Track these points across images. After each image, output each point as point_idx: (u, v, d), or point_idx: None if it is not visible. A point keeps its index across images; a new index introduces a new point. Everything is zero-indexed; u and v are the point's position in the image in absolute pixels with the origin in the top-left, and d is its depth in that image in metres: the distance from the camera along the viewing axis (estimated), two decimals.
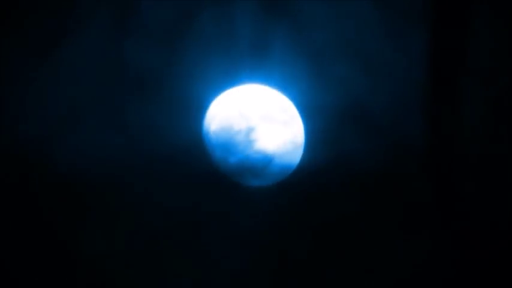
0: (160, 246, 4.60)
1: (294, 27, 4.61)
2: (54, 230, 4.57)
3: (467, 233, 4.62)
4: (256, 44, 4.60)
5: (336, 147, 4.62)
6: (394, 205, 4.64)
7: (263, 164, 4.48)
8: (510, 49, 4.62)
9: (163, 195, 4.59)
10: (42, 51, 4.62)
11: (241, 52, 4.60)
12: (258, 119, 4.47)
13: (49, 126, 4.62)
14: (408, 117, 4.65)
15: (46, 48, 4.62)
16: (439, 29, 4.64)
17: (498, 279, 4.60)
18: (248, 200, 4.59)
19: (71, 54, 4.63)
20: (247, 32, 4.60)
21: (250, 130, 4.45)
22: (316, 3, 4.62)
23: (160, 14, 4.63)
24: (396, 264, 4.62)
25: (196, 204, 4.59)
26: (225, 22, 4.61)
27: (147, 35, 4.62)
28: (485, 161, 4.64)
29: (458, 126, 4.65)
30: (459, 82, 4.64)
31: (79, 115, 4.63)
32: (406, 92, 4.65)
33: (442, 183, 4.65)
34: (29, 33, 4.63)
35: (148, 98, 4.61)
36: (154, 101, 4.60)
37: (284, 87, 4.57)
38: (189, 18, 4.61)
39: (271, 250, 4.63)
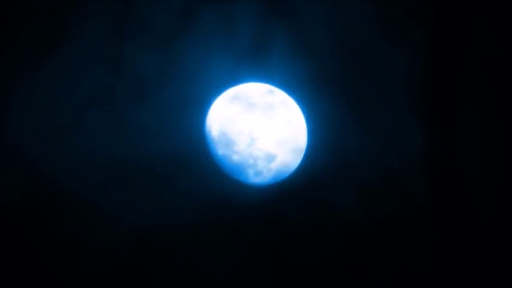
0: (160, 246, 4.58)
1: (294, 27, 4.62)
2: (55, 230, 4.55)
3: (467, 234, 4.62)
4: (256, 43, 4.61)
5: (337, 146, 4.63)
6: (393, 205, 4.64)
7: (265, 162, 4.48)
8: (510, 49, 4.65)
9: (164, 194, 4.58)
10: (42, 53, 4.61)
11: (242, 52, 4.61)
12: (260, 118, 4.47)
13: (49, 127, 4.61)
14: (408, 118, 4.67)
15: (46, 50, 4.61)
16: (439, 29, 4.67)
17: (497, 280, 4.61)
18: (249, 198, 4.58)
19: (71, 55, 4.62)
20: (247, 31, 4.61)
21: (251, 129, 4.46)
22: (316, 3, 4.64)
23: (160, 15, 4.64)
24: (396, 265, 4.62)
25: (198, 203, 4.58)
26: (225, 22, 4.62)
27: (148, 36, 4.63)
28: (484, 162, 4.65)
29: (458, 127, 4.67)
30: (459, 82, 4.67)
31: (80, 117, 4.62)
32: (406, 92, 4.67)
33: (442, 185, 4.66)
34: (29, 34, 4.62)
35: (150, 98, 4.60)
36: (155, 101, 4.60)
37: (285, 87, 4.58)
38: (189, 18, 4.62)
39: (271, 249, 4.62)
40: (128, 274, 4.58)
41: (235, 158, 4.47)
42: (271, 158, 4.48)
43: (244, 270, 4.61)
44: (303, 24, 4.64)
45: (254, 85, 4.58)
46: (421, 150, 4.67)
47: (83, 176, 4.58)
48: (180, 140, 4.57)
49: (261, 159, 4.47)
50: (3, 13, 4.60)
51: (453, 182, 4.65)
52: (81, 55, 4.62)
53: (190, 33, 4.62)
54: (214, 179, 4.56)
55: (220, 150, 4.49)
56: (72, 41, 4.61)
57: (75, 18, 4.62)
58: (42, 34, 4.61)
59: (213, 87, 4.57)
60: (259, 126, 4.46)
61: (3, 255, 4.54)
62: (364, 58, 4.65)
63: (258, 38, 4.61)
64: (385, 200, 4.64)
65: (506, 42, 4.65)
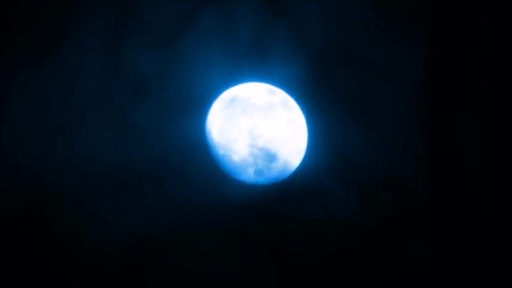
0: (160, 247, 4.57)
1: (294, 27, 4.62)
2: (55, 231, 4.54)
3: (467, 234, 4.62)
4: (256, 43, 4.61)
5: (337, 146, 4.62)
6: (394, 206, 4.64)
7: (265, 162, 4.47)
8: (510, 49, 4.65)
9: (164, 194, 4.57)
10: (42, 54, 4.61)
11: (242, 51, 4.61)
12: (260, 117, 4.47)
13: (49, 128, 4.60)
14: (409, 118, 4.67)
15: (46, 50, 4.61)
16: (439, 29, 4.67)
17: (497, 280, 4.60)
18: (249, 198, 4.58)
19: (72, 55, 4.62)
20: (247, 31, 4.61)
21: (252, 129, 4.46)
22: (316, 3, 4.64)
23: (160, 15, 4.64)
24: (396, 265, 4.62)
25: (198, 203, 4.57)
26: (226, 22, 4.62)
27: (148, 36, 4.62)
28: (485, 162, 4.65)
29: (458, 127, 4.67)
30: (459, 82, 4.67)
31: (79, 117, 4.61)
32: (406, 92, 4.67)
33: (443, 185, 4.66)
34: (29, 35, 4.61)
35: (149, 98, 4.60)
36: (155, 101, 4.60)
37: (285, 86, 4.58)
38: (189, 18, 4.62)
39: (271, 249, 4.62)
40: (128, 276, 4.57)
41: (235, 157, 4.47)
42: (271, 157, 4.48)
43: (244, 270, 4.60)
44: (303, 24, 4.64)
45: (254, 85, 4.58)
46: (422, 150, 4.67)
47: (82, 177, 4.57)
48: (180, 140, 4.56)
49: (261, 159, 4.47)
50: (3, 13, 4.59)
51: (453, 182, 4.65)
52: (81, 55, 4.62)
53: (190, 33, 4.62)
54: (214, 179, 4.56)
55: (220, 150, 4.49)
56: (72, 40, 4.61)
57: (76, 18, 4.61)
58: (42, 34, 4.61)
59: (213, 87, 4.57)
60: (260, 126, 4.46)
61: (2, 256, 4.53)
62: (364, 58, 4.65)
63: (258, 37, 4.62)
64: (385, 200, 4.63)
65: (506, 42, 4.66)
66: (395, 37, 4.66)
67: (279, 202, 4.61)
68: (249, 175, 4.50)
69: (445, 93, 4.68)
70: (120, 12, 4.63)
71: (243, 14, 4.61)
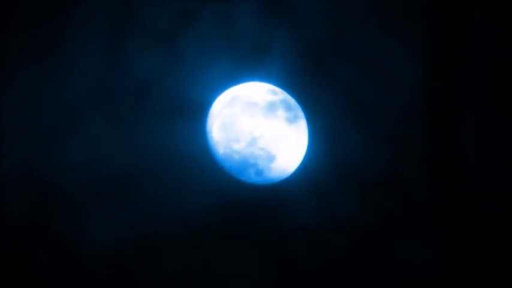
0: (160, 247, 4.57)
1: (294, 26, 4.63)
2: (54, 232, 4.54)
3: (467, 234, 4.63)
4: (257, 42, 4.61)
5: (338, 146, 4.63)
6: (394, 206, 4.64)
7: (266, 162, 4.47)
8: (510, 49, 4.66)
9: (164, 195, 4.57)
10: (41, 53, 4.61)
11: (243, 51, 4.61)
12: (261, 117, 4.47)
13: (47, 129, 4.60)
14: (409, 118, 4.67)
15: (45, 50, 4.61)
16: (439, 29, 4.68)
17: (497, 280, 4.61)
18: (250, 198, 4.58)
19: (71, 55, 4.62)
20: (247, 30, 4.62)
21: (252, 128, 4.46)
22: (317, 2, 4.64)
23: (160, 14, 4.64)
24: (395, 265, 4.62)
25: (198, 203, 4.57)
26: (226, 21, 4.62)
27: (148, 36, 4.62)
28: (485, 163, 4.66)
29: (458, 128, 4.67)
30: (459, 82, 4.68)
31: (79, 117, 4.61)
32: (406, 92, 4.67)
33: (442, 185, 4.66)
34: (29, 34, 4.61)
35: (150, 98, 4.60)
36: (155, 101, 4.60)
37: (286, 86, 4.58)
38: (189, 18, 4.62)
39: (271, 249, 4.62)
40: (128, 277, 4.57)
41: (235, 157, 4.47)
42: (272, 157, 4.48)
43: (244, 270, 4.60)
44: (303, 23, 4.64)
45: (254, 84, 4.59)
46: (422, 150, 4.67)
47: (81, 179, 4.57)
48: (181, 139, 4.56)
49: (262, 159, 4.47)
50: (3, 13, 4.59)
51: (453, 182, 4.65)
52: (80, 55, 4.62)
53: (191, 33, 4.62)
54: (214, 179, 4.55)
55: (220, 150, 4.49)
56: (72, 40, 4.61)
57: (75, 18, 4.61)
58: (42, 34, 4.61)
59: (214, 87, 4.57)
60: (260, 126, 4.46)
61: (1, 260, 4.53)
62: (364, 58, 4.65)
63: (259, 37, 4.62)
64: (385, 200, 4.64)
65: (506, 41, 4.66)
66: (396, 37, 4.66)
67: (278, 202, 4.61)
68: (249, 175, 4.50)
69: (445, 93, 4.68)
70: (120, 12, 4.63)
71: (243, 13, 4.62)
